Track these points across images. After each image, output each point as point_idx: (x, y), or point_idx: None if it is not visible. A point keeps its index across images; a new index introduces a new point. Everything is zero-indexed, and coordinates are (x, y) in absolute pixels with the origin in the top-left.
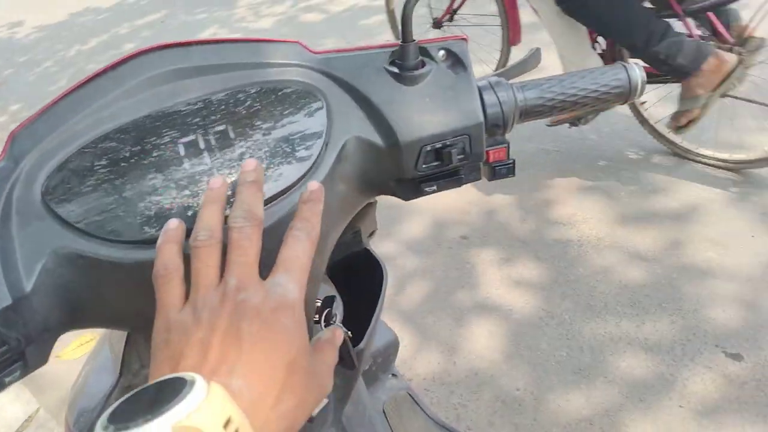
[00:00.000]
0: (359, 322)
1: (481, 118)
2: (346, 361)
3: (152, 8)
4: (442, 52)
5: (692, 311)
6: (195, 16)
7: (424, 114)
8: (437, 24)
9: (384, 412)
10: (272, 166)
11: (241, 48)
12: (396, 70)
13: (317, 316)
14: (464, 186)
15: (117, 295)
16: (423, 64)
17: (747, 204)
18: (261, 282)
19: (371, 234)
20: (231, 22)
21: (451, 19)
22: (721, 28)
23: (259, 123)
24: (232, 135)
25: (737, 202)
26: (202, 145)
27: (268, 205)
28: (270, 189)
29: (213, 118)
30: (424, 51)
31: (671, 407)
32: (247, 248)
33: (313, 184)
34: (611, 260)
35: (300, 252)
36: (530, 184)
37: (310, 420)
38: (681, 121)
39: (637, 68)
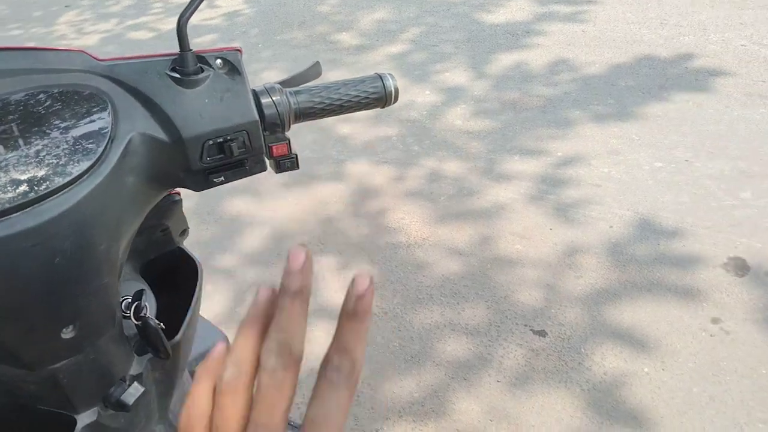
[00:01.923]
0: (178, 318)
1: (256, 116)
2: (160, 351)
3: None
4: (219, 61)
5: (504, 297)
6: (9, 32)
7: (205, 113)
8: None
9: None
10: (58, 159)
11: (27, 55)
12: (177, 75)
13: (127, 311)
14: (301, 197)
15: None
16: (202, 70)
17: (545, 201)
18: None
19: (182, 232)
20: (50, 40)
21: None
22: None
23: (45, 123)
24: (16, 133)
25: (537, 200)
26: None
27: (49, 199)
28: (54, 182)
29: None
30: (202, 59)
31: (490, 383)
32: (276, 403)
33: (362, 280)
34: (435, 257)
35: (335, 409)
36: (363, 194)
37: (127, 409)
38: None
39: (391, 78)
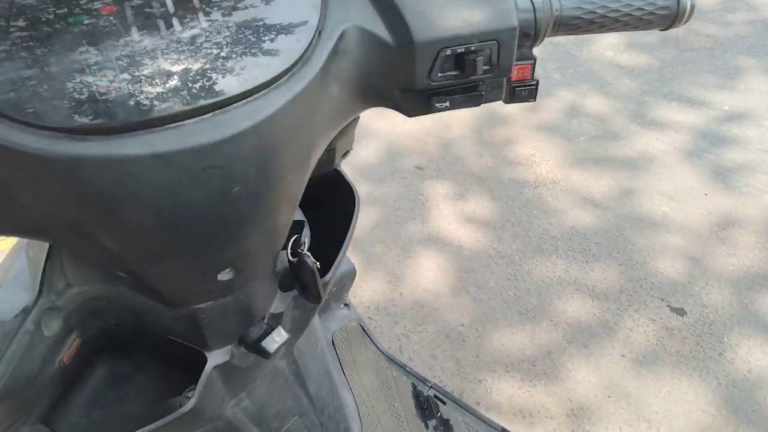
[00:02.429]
0: (324, 249)
1: (515, 22)
2: (312, 293)
3: None
4: None
5: (641, 263)
6: None
7: (448, 8)
8: None
9: (333, 342)
10: (246, 54)
11: None
12: None
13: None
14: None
15: (35, 197)
16: None
17: (703, 161)
18: None
19: (345, 154)
20: None
21: None
22: None
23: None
24: (196, 4)
25: (693, 158)
26: (157, 10)
27: (232, 107)
28: (240, 86)
29: None
30: None
31: (613, 355)
32: None
33: None
34: (565, 205)
35: None
36: (491, 119)
37: (267, 356)
38: None
39: None
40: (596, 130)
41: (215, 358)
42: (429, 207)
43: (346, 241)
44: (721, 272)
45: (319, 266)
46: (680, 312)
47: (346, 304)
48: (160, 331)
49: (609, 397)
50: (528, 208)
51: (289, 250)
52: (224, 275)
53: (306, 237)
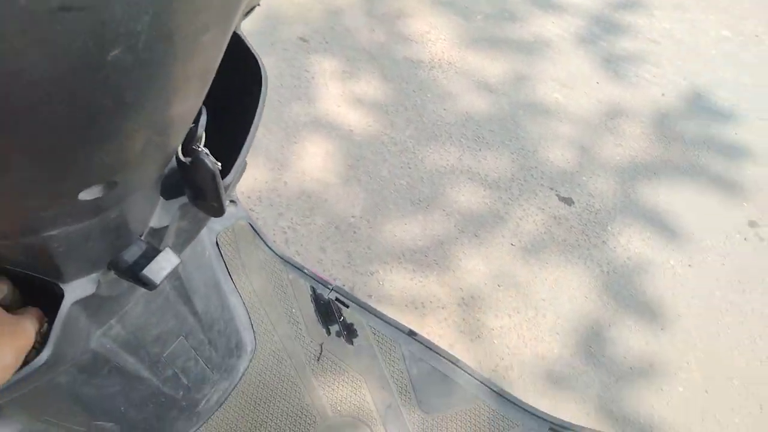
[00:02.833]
0: (220, 137)
1: None
2: (209, 202)
3: None
4: None
5: (532, 151)
6: None
7: None
8: None
9: (217, 244)
10: None
11: None
12: None
13: None
14: None
15: None
16: None
17: (596, 48)
18: None
19: (250, 11)
20: None
21: None
22: None
23: None
24: None
25: (587, 45)
26: None
27: None
28: None
29: None
30: None
31: (503, 244)
32: None
33: None
34: (460, 88)
35: None
36: None
37: (152, 287)
38: None
39: None
40: (493, 8)
41: (75, 291)
42: (315, 85)
43: (251, 132)
44: (608, 162)
45: (220, 167)
46: (568, 201)
47: (232, 201)
48: None
49: (499, 285)
50: (422, 91)
51: (179, 148)
52: (89, 193)
53: (202, 128)
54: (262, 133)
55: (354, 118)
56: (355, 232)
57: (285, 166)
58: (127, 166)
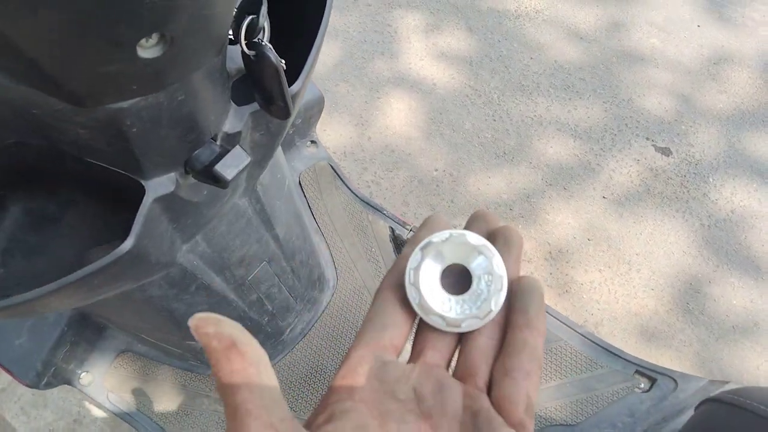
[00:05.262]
0: (288, 52)
1: None
2: (277, 103)
3: None
4: None
5: (627, 100)
6: None
7: None
8: None
9: (300, 183)
10: None
11: None
12: None
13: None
14: None
15: None
16: None
17: None
18: None
19: None
20: None
21: None
22: None
23: None
24: None
25: None
26: None
27: None
28: None
29: None
30: None
31: (594, 197)
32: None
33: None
34: (548, 37)
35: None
36: None
37: (224, 185)
38: None
39: None
40: None
41: (155, 188)
42: (398, 40)
43: (317, 40)
44: (710, 110)
45: (284, 66)
46: (666, 152)
47: (313, 141)
48: (75, 150)
49: (589, 240)
50: (508, 41)
51: (242, 40)
52: (149, 48)
53: (263, 17)
54: (347, 90)
55: (437, 72)
56: (437, 186)
57: (368, 122)
58: (179, 13)
